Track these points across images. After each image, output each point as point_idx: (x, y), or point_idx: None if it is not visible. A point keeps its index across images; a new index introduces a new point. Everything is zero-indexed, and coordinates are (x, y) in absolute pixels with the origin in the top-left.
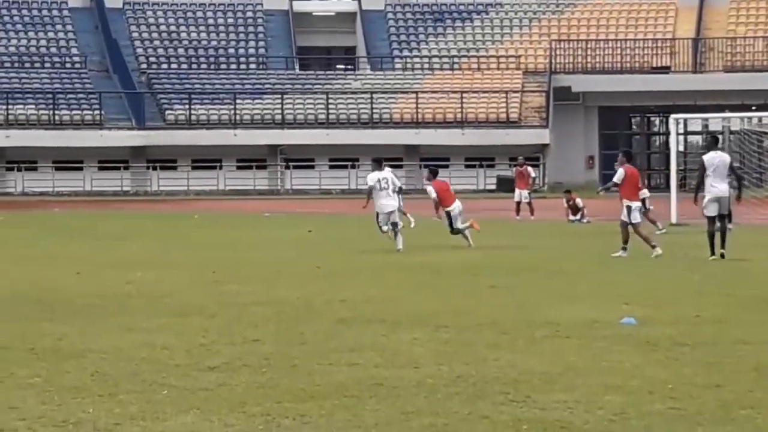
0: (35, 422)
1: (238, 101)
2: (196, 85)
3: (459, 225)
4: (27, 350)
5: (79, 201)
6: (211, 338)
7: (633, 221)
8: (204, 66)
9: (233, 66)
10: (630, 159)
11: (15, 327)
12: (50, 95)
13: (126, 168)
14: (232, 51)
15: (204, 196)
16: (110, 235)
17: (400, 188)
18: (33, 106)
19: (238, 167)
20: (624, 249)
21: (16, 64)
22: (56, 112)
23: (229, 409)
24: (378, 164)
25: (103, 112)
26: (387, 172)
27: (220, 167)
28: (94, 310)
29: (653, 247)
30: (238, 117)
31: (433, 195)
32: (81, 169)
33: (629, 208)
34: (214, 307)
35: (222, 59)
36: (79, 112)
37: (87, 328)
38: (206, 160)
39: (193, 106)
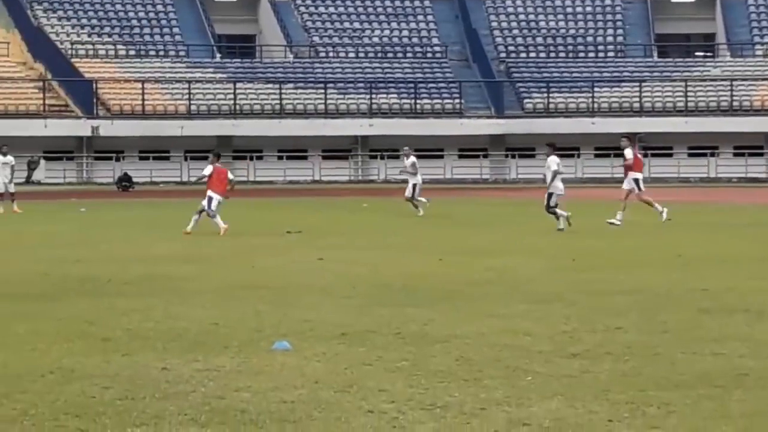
0: (404, 405)
1: (596, 89)
2: (555, 74)
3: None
4: (394, 335)
5: (439, 188)
6: (572, 325)
7: None
8: (562, 54)
9: (591, 54)
10: None
11: (382, 312)
12: (412, 84)
13: (485, 156)
14: (590, 39)
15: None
16: (470, 222)
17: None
18: (395, 95)
19: (596, 155)
20: None
21: (380, 54)
22: (417, 101)
23: (593, 396)
24: (553, 149)
25: (462, 101)
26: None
27: (578, 155)
28: (457, 295)
29: None
30: (596, 105)
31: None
32: (441, 157)
33: None
34: (574, 294)
35: (580, 47)
36: (440, 101)
37: (451, 313)
38: (564, 148)
39: (551, 95)
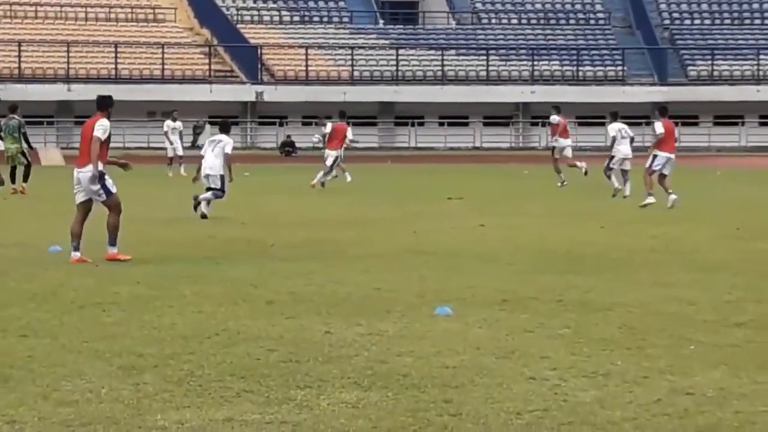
0: (566, 372)
1: (761, 56)
2: (719, 41)
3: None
4: (555, 302)
5: (598, 155)
6: (737, 295)
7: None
8: (727, 21)
9: (757, 21)
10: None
11: (544, 279)
12: (574, 51)
13: (647, 124)
14: (755, 6)
15: (725, 153)
16: (631, 190)
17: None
18: (557, 62)
19: (761, 123)
20: (650, 194)
21: (542, 21)
22: (580, 68)
23: (757, 366)
24: (615, 117)
25: (625, 68)
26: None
27: (742, 123)
28: (620, 263)
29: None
30: (761, 73)
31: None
32: (602, 124)
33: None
34: (739, 263)
35: (746, 14)
36: (602, 68)
37: (613, 281)
38: (727, 116)
39: (715, 62)
